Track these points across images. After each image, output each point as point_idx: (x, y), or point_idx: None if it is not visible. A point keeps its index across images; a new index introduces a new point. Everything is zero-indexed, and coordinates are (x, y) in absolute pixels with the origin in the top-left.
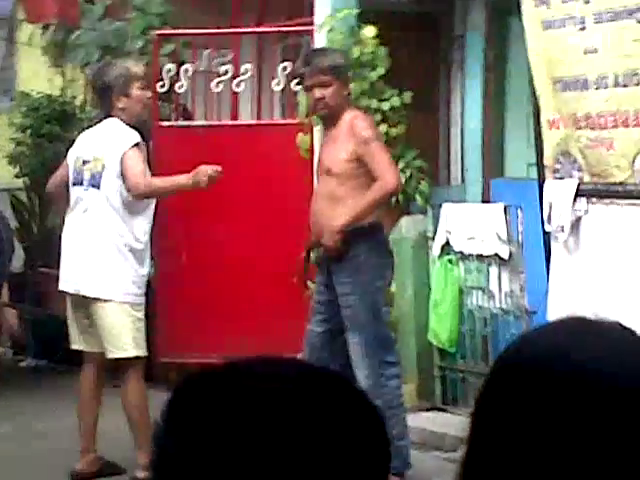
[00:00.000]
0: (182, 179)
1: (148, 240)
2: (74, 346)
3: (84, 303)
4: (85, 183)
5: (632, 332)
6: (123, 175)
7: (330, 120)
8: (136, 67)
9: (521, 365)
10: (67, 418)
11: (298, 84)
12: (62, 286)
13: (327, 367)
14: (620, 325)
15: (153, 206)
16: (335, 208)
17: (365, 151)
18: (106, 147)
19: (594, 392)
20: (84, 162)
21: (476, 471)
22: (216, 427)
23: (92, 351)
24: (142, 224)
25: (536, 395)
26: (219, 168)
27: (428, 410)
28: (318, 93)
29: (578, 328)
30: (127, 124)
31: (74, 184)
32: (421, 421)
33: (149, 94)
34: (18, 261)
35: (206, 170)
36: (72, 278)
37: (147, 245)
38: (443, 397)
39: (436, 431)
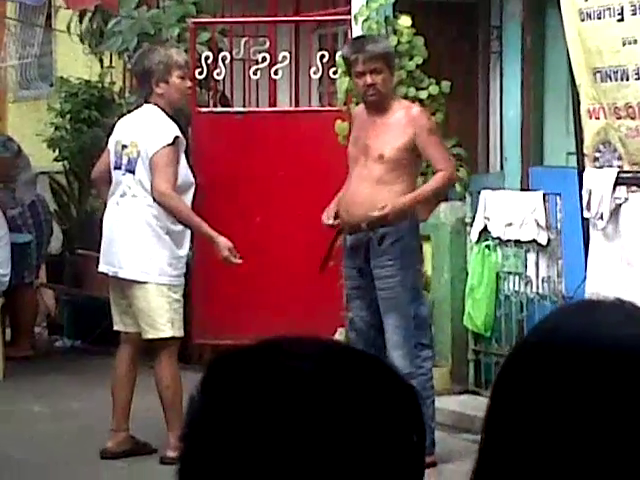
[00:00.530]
0: (203, 225)
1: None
2: (115, 327)
3: (122, 285)
4: (123, 168)
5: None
6: (151, 170)
7: (378, 107)
8: (178, 55)
9: (536, 346)
10: (101, 398)
11: (335, 72)
12: (101, 268)
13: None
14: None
15: (192, 189)
16: (381, 193)
17: (426, 141)
18: (142, 134)
19: (605, 368)
20: (123, 147)
21: (492, 454)
22: (245, 403)
23: (129, 332)
24: None
25: (552, 375)
26: (238, 261)
27: (461, 393)
28: (370, 79)
29: (588, 308)
30: (165, 112)
31: (115, 168)
32: (453, 404)
33: (188, 83)
34: (56, 243)
35: (227, 246)
36: (110, 260)
37: (185, 229)
38: (476, 381)
39: (468, 414)
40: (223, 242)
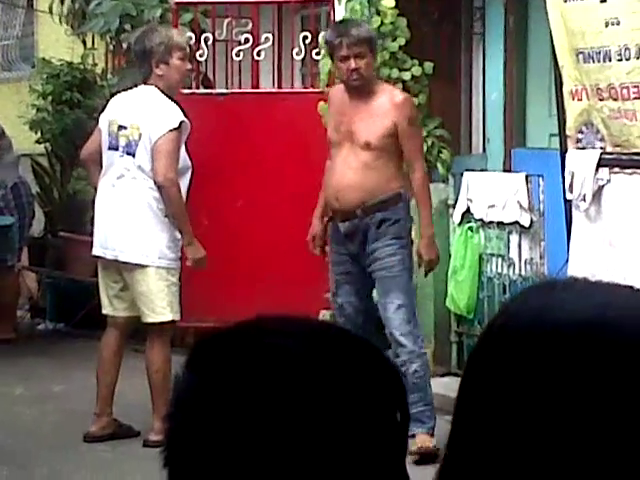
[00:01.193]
0: (188, 224)
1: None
2: (104, 311)
3: (119, 268)
4: (120, 149)
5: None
6: (153, 154)
7: (361, 91)
8: (179, 36)
9: (499, 330)
10: (83, 381)
11: (317, 54)
12: (96, 251)
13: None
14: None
15: (189, 173)
16: (372, 178)
17: (405, 132)
18: (145, 117)
19: (574, 348)
20: (120, 127)
21: (461, 438)
22: (231, 381)
23: (117, 315)
24: None
25: (511, 359)
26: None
27: (443, 375)
28: (354, 63)
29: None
30: (165, 94)
31: (109, 148)
32: (436, 386)
33: (189, 66)
34: (39, 225)
35: (198, 256)
36: (109, 244)
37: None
38: (459, 363)
39: (450, 396)
40: (196, 250)
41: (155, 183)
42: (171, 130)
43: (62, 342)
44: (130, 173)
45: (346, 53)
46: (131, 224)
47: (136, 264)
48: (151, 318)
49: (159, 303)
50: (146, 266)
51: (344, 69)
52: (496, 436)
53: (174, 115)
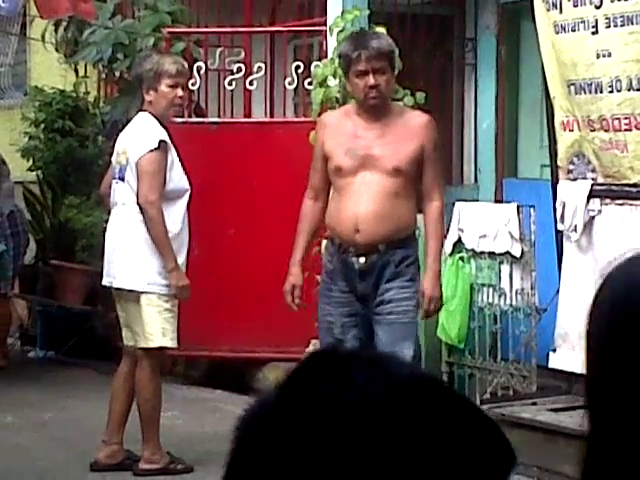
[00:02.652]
0: (170, 250)
1: (180, 230)
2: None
3: (119, 295)
4: (116, 176)
5: None
6: (137, 176)
7: (377, 111)
8: (170, 64)
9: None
10: (73, 409)
11: (310, 83)
12: (103, 280)
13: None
14: None
15: (186, 196)
16: (401, 209)
17: (430, 157)
18: (130, 141)
19: None
20: (117, 155)
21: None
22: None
23: (127, 344)
24: (170, 214)
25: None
26: (186, 296)
27: None
28: (373, 80)
29: None
30: (158, 120)
31: (113, 178)
32: None
33: (179, 93)
34: (30, 253)
35: (180, 284)
36: (107, 271)
37: (178, 235)
38: None
39: None
40: (178, 277)
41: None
42: (151, 151)
43: (53, 370)
44: (122, 199)
45: (364, 68)
46: (122, 250)
47: (128, 290)
48: (142, 343)
49: (148, 329)
50: (136, 292)
51: (361, 86)
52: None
53: (153, 136)
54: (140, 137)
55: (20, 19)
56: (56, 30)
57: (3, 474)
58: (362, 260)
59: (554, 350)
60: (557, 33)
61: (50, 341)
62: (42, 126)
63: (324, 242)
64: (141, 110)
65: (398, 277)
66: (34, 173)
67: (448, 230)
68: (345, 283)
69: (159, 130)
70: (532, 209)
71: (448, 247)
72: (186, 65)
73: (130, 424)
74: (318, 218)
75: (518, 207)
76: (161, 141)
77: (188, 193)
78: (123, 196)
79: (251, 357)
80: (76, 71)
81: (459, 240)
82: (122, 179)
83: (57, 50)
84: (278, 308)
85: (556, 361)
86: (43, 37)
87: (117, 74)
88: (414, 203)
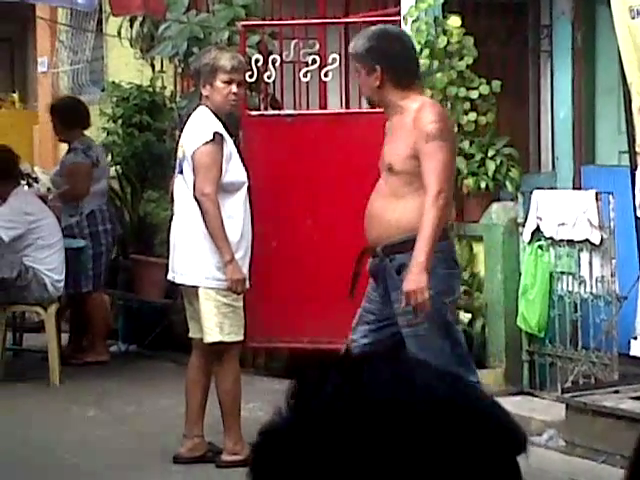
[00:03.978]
0: (225, 243)
1: (239, 222)
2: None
3: (184, 289)
4: (177, 170)
5: None
6: (193, 170)
7: (388, 108)
8: (226, 60)
9: None
10: (155, 403)
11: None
12: (168, 275)
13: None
14: None
15: (244, 189)
16: (395, 208)
17: (423, 150)
18: (187, 135)
19: None
20: (179, 149)
21: None
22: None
23: (194, 337)
24: (227, 207)
25: None
26: (241, 290)
27: (515, 394)
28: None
29: None
30: (215, 114)
31: (174, 171)
32: (508, 405)
33: (233, 89)
34: None
35: (235, 278)
36: (170, 266)
37: (237, 227)
38: (530, 382)
39: (523, 415)
40: (233, 271)
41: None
42: (205, 143)
43: (134, 363)
44: (181, 193)
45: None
46: (181, 245)
47: (189, 285)
48: (209, 337)
49: (207, 323)
50: (196, 287)
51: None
52: None
53: (207, 128)
54: (195, 130)
55: (96, 16)
56: (132, 26)
57: (88, 467)
58: (370, 261)
59: (635, 338)
60: (633, 18)
61: (131, 335)
62: (120, 121)
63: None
64: (200, 104)
65: (400, 287)
66: (113, 168)
67: (526, 219)
68: (372, 281)
69: (214, 122)
70: (611, 196)
71: (527, 236)
72: (243, 61)
73: (211, 416)
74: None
75: (597, 194)
76: (215, 133)
77: (246, 186)
78: (182, 190)
79: (331, 348)
80: (152, 66)
81: (537, 228)
82: (180, 172)
83: (133, 46)
84: (356, 298)
85: (637, 349)
86: (119, 33)
87: (192, 68)
88: (418, 203)
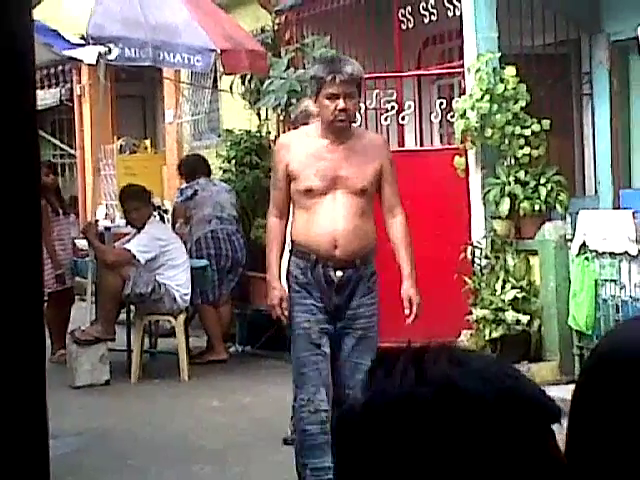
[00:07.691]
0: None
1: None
2: None
3: None
4: None
5: None
6: None
7: (341, 133)
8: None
9: (616, 357)
10: (268, 394)
11: (452, 116)
12: None
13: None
14: None
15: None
16: (368, 225)
17: (389, 173)
18: None
19: None
20: None
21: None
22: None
23: None
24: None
25: (632, 385)
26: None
27: (568, 383)
28: (343, 103)
29: None
30: None
31: None
32: (563, 393)
33: None
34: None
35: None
36: None
37: None
38: None
39: None
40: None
41: None
42: None
43: (249, 362)
44: None
45: (336, 91)
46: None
47: None
48: None
49: None
50: None
51: (331, 108)
52: (609, 452)
53: None
54: None
55: (212, 75)
56: (243, 82)
57: (212, 447)
58: (339, 274)
59: None
60: None
61: (246, 338)
62: (233, 161)
63: (286, 257)
64: None
65: (369, 293)
66: None
67: (574, 235)
68: (320, 295)
69: None
70: None
71: (574, 249)
72: None
73: None
74: (284, 234)
75: (633, 213)
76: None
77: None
78: None
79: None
80: (259, 115)
81: (584, 243)
82: None
83: (243, 98)
84: (429, 300)
85: None
86: (231, 88)
87: (292, 116)
88: (372, 217)
